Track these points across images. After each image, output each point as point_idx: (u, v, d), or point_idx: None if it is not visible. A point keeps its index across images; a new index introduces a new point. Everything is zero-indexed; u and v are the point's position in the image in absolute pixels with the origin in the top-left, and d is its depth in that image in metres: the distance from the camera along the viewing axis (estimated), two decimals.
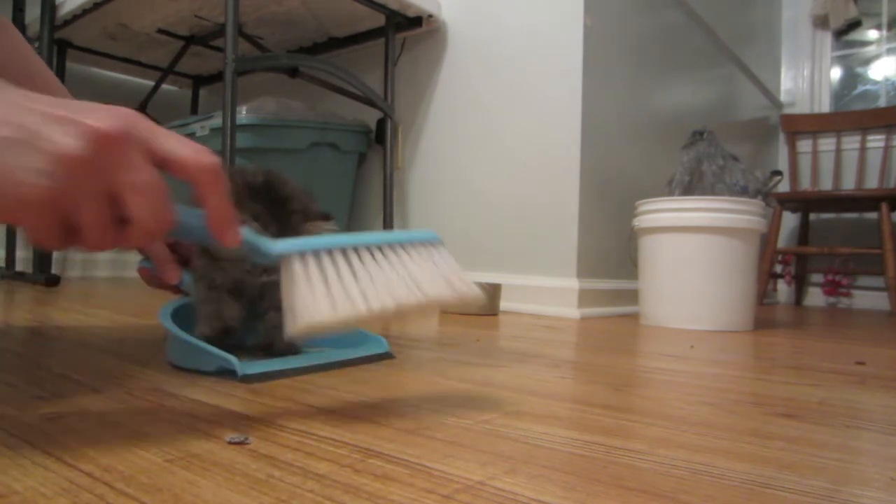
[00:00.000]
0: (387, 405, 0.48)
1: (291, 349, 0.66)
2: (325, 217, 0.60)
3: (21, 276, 1.79)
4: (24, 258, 1.97)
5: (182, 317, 0.63)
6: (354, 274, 0.43)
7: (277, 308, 0.50)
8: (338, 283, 0.42)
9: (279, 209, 0.58)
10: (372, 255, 0.45)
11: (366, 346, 0.70)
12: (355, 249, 0.44)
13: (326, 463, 0.34)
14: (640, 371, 0.71)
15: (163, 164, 0.34)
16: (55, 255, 1.86)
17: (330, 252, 0.43)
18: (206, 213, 0.37)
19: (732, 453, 0.39)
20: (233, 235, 0.38)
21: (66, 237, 0.33)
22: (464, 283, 0.46)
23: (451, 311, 1.29)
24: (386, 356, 0.70)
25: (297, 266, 0.42)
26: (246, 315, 0.62)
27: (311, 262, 0.42)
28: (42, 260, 1.75)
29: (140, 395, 0.48)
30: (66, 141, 0.31)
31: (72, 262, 2.26)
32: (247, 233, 0.41)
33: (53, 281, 1.66)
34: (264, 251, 0.42)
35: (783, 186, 2.67)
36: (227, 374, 0.55)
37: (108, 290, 1.62)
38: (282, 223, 0.57)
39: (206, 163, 0.35)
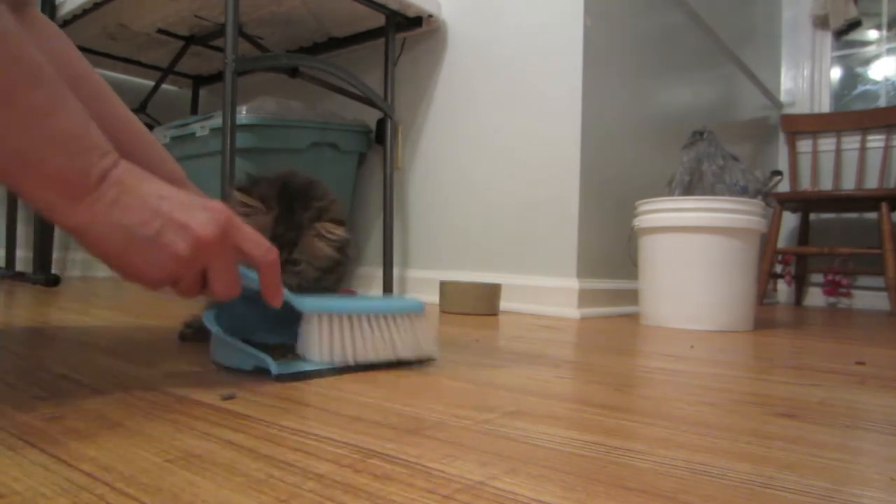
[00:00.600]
0: (387, 405, 0.48)
1: None
2: (339, 222, 0.67)
3: (21, 276, 1.79)
4: (24, 258, 1.97)
5: (224, 318, 0.64)
6: (352, 333, 0.60)
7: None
8: (339, 338, 0.59)
9: (295, 203, 0.65)
10: (368, 321, 0.62)
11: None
12: (359, 317, 0.61)
13: (326, 463, 0.34)
14: (640, 371, 0.71)
15: (242, 254, 0.49)
16: (55, 255, 1.86)
17: (339, 315, 0.60)
18: (262, 287, 0.52)
19: (732, 453, 0.39)
20: (278, 301, 0.53)
21: (166, 287, 0.47)
22: (428, 346, 0.66)
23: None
24: (426, 359, 0.68)
25: (314, 320, 0.59)
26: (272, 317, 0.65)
27: (325, 319, 0.59)
28: (42, 260, 1.75)
29: (140, 395, 0.48)
30: (178, 246, 0.44)
31: (72, 263, 2.26)
32: (287, 296, 0.56)
33: (53, 281, 1.66)
34: (296, 307, 0.58)
35: (783, 186, 2.67)
36: (261, 373, 0.57)
37: (108, 290, 1.62)
38: (290, 214, 0.65)
39: (270, 259, 0.50)
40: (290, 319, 0.61)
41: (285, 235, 0.64)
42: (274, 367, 0.55)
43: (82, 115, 0.43)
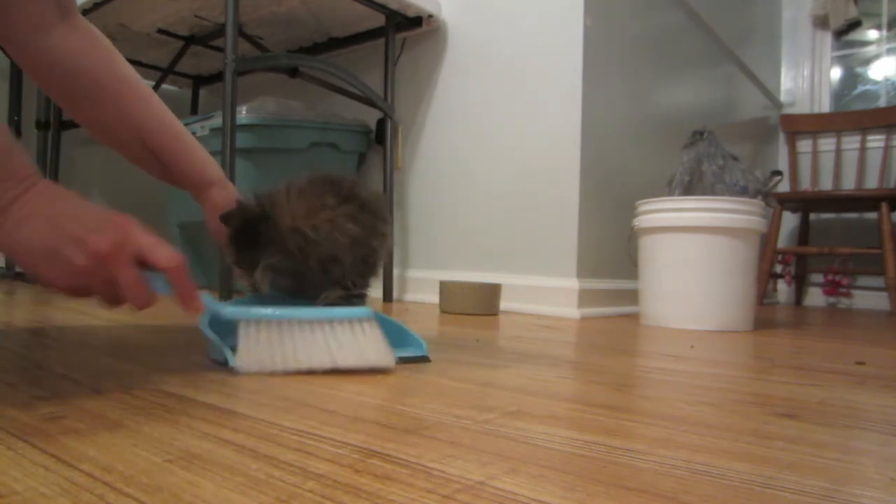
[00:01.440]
0: (387, 405, 0.48)
1: None
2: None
3: (21, 276, 1.79)
4: None
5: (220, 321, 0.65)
6: (286, 340, 0.58)
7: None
8: (270, 345, 0.58)
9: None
10: (301, 327, 0.59)
11: (402, 349, 0.71)
12: (292, 322, 0.58)
13: (326, 463, 0.34)
14: (640, 371, 0.71)
15: (145, 262, 0.51)
16: None
17: (270, 322, 0.58)
18: (177, 294, 0.54)
19: (732, 453, 0.39)
20: (194, 306, 0.55)
21: (89, 296, 0.52)
22: (379, 356, 0.60)
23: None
24: (422, 360, 0.69)
25: (244, 328, 0.58)
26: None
27: (252, 325, 0.58)
28: None
29: (140, 395, 0.48)
30: (77, 258, 0.48)
31: None
32: (207, 301, 0.57)
33: None
34: (222, 315, 0.58)
35: (783, 186, 2.67)
36: (261, 373, 0.58)
37: None
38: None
39: (172, 265, 0.52)
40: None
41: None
42: (231, 360, 0.58)
43: (7, 138, 0.48)
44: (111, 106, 0.67)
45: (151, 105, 0.69)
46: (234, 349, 0.60)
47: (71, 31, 0.64)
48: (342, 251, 0.64)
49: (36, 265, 0.48)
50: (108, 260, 0.49)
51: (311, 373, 0.58)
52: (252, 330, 0.57)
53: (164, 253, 0.52)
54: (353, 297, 0.70)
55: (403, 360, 0.68)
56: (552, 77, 1.53)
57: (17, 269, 1.88)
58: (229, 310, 0.58)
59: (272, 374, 0.56)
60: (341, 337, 0.59)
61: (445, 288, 1.41)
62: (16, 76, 2.05)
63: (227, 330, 0.64)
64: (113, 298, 0.51)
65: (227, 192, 0.72)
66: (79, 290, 0.50)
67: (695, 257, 1.27)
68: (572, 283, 1.47)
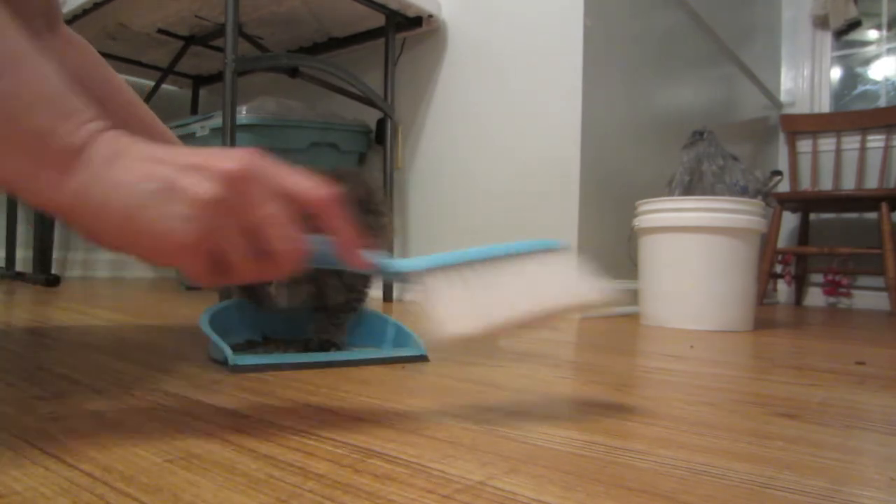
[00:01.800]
0: (387, 405, 0.48)
1: (326, 346, 0.68)
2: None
3: (21, 276, 1.79)
4: (24, 258, 1.97)
5: (221, 319, 0.66)
6: (485, 287, 0.44)
7: (323, 309, 0.62)
8: (472, 296, 0.43)
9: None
10: (498, 268, 0.45)
11: (399, 348, 0.71)
12: (482, 263, 0.45)
13: (326, 463, 0.34)
14: (640, 371, 0.71)
15: (288, 198, 0.37)
16: (55, 255, 1.86)
17: (459, 267, 0.44)
18: (335, 240, 0.39)
19: (732, 453, 0.39)
20: (359, 258, 0.40)
21: (219, 273, 0.37)
22: (589, 287, 0.47)
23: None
24: (421, 359, 0.69)
25: (431, 282, 0.43)
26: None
27: (443, 277, 0.44)
28: (42, 260, 1.75)
29: (140, 395, 0.48)
30: (202, 186, 0.34)
31: (72, 263, 2.26)
32: (375, 255, 0.43)
33: (53, 281, 1.66)
34: (394, 270, 0.44)
35: (783, 186, 2.67)
36: (261, 373, 0.58)
37: (108, 290, 1.62)
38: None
39: (327, 194, 0.37)
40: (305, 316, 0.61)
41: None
42: (231, 358, 0.58)
43: (62, 77, 0.36)
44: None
45: (140, 112, 0.69)
46: (234, 348, 0.60)
47: (56, 40, 0.64)
48: None
49: (141, 218, 0.34)
50: (244, 182, 0.35)
51: (521, 326, 0.44)
52: (440, 284, 0.43)
53: (310, 181, 0.38)
54: (355, 300, 0.70)
55: (403, 360, 0.68)
56: (552, 77, 1.53)
57: (19, 266, 1.88)
58: (411, 262, 0.44)
59: (483, 330, 0.42)
60: (548, 274, 0.47)
61: None
62: None
63: (227, 328, 0.65)
64: (250, 255, 0.36)
65: None
66: (202, 248, 0.35)
67: (695, 257, 1.27)
68: None
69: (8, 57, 0.34)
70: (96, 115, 0.37)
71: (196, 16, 1.78)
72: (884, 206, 2.17)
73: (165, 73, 2.10)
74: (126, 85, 0.70)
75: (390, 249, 1.68)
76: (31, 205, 0.36)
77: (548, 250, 0.48)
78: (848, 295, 2.71)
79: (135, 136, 0.37)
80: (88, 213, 0.34)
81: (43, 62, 0.36)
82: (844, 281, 2.71)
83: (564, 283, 0.47)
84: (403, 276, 0.44)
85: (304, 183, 0.37)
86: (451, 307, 0.43)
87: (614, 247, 1.62)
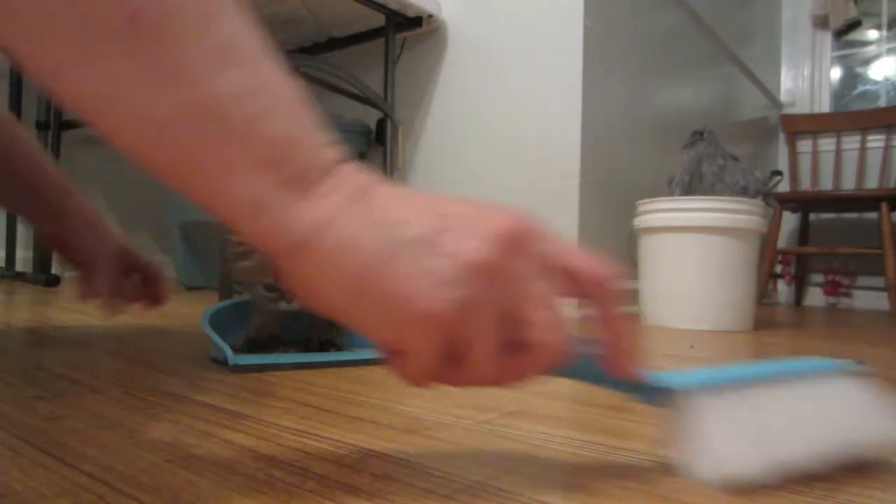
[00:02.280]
0: (387, 405, 0.48)
1: (326, 346, 0.68)
2: None
3: (21, 276, 1.79)
4: (24, 258, 1.97)
5: (221, 319, 0.66)
6: (774, 416, 0.34)
7: None
8: (757, 426, 0.33)
9: None
10: (783, 391, 0.36)
11: None
12: (765, 384, 0.35)
13: (326, 463, 0.34)
14: None
15: (564, 276, 0.28)
16: (55, 254, 1.86)
17: (739, 387, 0.34)
18: (607, 342, 0.29)
19: None
20: (630, 371, 0.31)
21: (447, 368, 0.28)
22: (889, 422, 0.36)
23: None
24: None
25: (705, 405, 0.33)
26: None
27: (720, 399, 0.33)
28: (42, 260, 1.75)
29: (140, 395, 0.48)
30: (471, 243, 0.26)
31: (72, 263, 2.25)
32: (646, 375, 0.33)
33: (53, 281, 1.66)
34: (658, 387, 0.33)
35: (783, 186, 2.67)
36: (260, 373, 0.58)
37: None
38: None
39: (611, 278, 0.29)
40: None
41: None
42: (231, 358, 0.58)
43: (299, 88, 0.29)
44: None
45: (16, 133, 0.64)
46: (234, 349, 0.60)
47: None
48: None
49: (386, 270, 0.25)
50: (517, 250, 0.26)
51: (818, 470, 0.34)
52: (722, 408, 0.33)
53: (589, 259, 0.29)
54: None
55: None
56: (552, 77, 1.53)
57: (19, 266, 1.88)
58: (674, 377, 0.33)
59: (772, 472, 0.32)
60: (842, 401, 0.37)
61: None
62: (16, 76, 2.05)
63: (227, 328, 0.64)
64: (500, 354, 0.27)
65: (90, 203, 0.67)
66: (449, 326, 0.26)
67: (695, 257, 1.27)
68: None
69: (235, 40, 0.26)
70: (339, 156, 0.28)
71: None
72: (884, 206, 2.17)
73: None
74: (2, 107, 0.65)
75: None
76: (252, 242, 0.27)
77: (840, 372, 0.40)
78: (848, 295, 2.71)
79: (374, 173, 0.28)
80: (320, 258, 0.26)
81: (267, 53, 0.28)
82: (844, 281, 2.71)
83: (864, 414, 0.37)
84: (667, 395, 0.33)
85: (586, 260, 0.29)
86: (730, 441, 0.32)
87: (614, 247, 1.62)
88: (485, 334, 0.26)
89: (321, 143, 0.28)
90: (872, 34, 2.85)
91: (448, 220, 0.26)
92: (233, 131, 0.25)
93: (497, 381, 0.28)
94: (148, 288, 0.69)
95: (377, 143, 1.85)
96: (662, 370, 0.34)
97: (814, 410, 0.35)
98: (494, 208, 0.28)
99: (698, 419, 0.32)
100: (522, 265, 0.27)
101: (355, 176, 0.27)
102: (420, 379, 0.28)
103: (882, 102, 2.77)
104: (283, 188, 0.25)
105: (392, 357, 0.28)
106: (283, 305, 0.62)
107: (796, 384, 0.37)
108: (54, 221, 0.65)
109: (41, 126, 2.04)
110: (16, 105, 1.97)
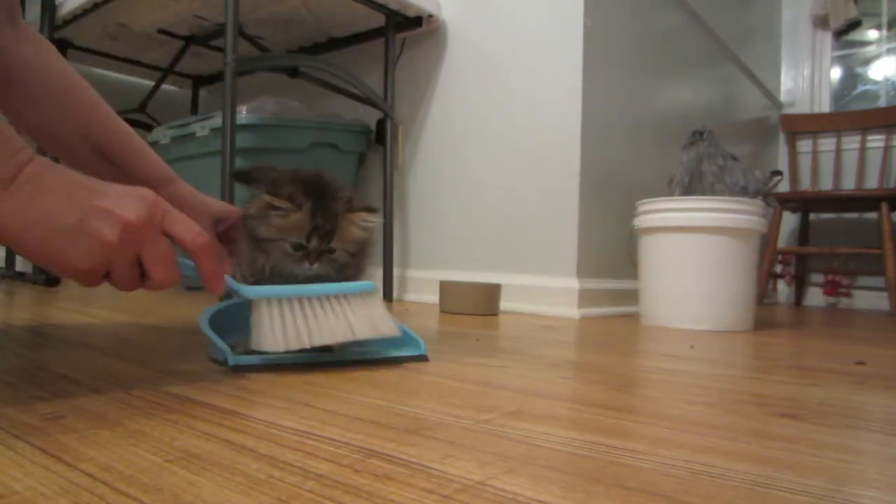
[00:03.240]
0: (387, 405, 0.48)
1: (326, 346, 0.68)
2: (372, 210, 0.67)
3: (21, 276, 1.79)
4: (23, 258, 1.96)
5: (220, 319, 0.66)
6: (305, 316, 0.59)
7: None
8: (292, 322, 0.58)
9: (324, 196, 0.66)
10: (320, 302, 0.60)
11: (398, 348, 0.71)
12: (308, 299, 0.60)
13: (326, 463, 0.34)
14: (640, 371, 0.71)
15: (171, 239, 0.48)
16: None
17: (289, 300, 0.59)
18: (201, 274, 0.51)
19: (732, 453, 0.39)
20: (219, 286, 0.53)
21: (102, 281, 0.47)
22: (385, 325, 0.63)
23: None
24: (421, 359, 0.69)
25: (263, 306, 0.58)
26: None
27: (274, 304, 0.58)
28: None
29: (140, 395, 0.48)
30: (105, 231, 0.43)
31: None
32: (232, 283, 0.57)
33: (53, 281, 1.66)
34: (242, 294, 0.58)
35: (783, 186, 2.67)
36: (261, 373, 0.59)
37: (107, 291, 1.62)
38: (322, 207, 0.65)
39: (201, 243, 0.49)
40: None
41: (324, 226, 0.65)
42: (231, 358, 0.58)
43: None
44: (57, 109, 0.68)
45: (101, 108, 0.70)
46: (233, 347, 0.61)
47: (18, 35, 0.65)
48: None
49: (51, 247, 0.43)
50: (139, 231, 0.44)
51: (325, 348, 0.61)
52: (274, 310, 0.58)
53: (194, 229, 0.49)
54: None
55: (402, 360, 0.68)
56: (552, 77, 1.53)
57: (19, 266, 1.88)
58: (250, 289, 0.58)
59: (297, 350, 0.57)
60: (356, 310, 0.61)
61: (445, 288, 1.41)
62: None
63: (227, 328, 0.65)
64: (133, 279, 0.47)
65: (186, 187, 0.74)
66: (97, 272, 0.45)
67: (695, 257, 1.27)
68: (572, 283, 1.47)
69: None
70: (22, 144, 0.43)
71: (196, 16, 1.78)
72: (884, 206, 2.17)
73: (165, 73, 2.10)
74: (85, 81, 0.70)
75: (387, 249, 1.68)
76: None
77: (368, 292, 0.63)
78: (848, 295, 2.71)
79: (55, 167, 0.44)
80: (12, 236, 0.43)
81: None
82: (844, 281, 2.71)
83: (372, 319, 0.62)
84: (245, 299, 0.58)
85: (188, 233, 0.48)
86: (270, 329, 0.57)
87: (614, 247, 1.62)
88: (120, 273, 0.46)
89: (9, 156, 0.42)
90: (872, 34, 2.85)
91: (93, 212, 0.43)
92: None
93: (135, 289, 0.48)
94: (227, 244, 0.78)
95: (377, 143, 1.85)
96: (244, 286, 0.58)
97: (334, 312, 0.60)
98: (130, 200, 0.45)
99: (260, 315, 0.57)
100: (143, 238, 0.45)
101: (34, 179, 0.43)
102: (90, 285, 0.46)
103: (882, 102, 2.77)
104: None
105: (76, 279, 0.46)
106: (303, 268, 0.64)
107: (330, 296, 0.61)
108: None
109: None
110: None
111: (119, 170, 0.72)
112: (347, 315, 0.61)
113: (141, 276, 0.47)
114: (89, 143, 0.69)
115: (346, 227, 0.66)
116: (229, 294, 0.66)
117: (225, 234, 0.76)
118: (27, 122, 0.69)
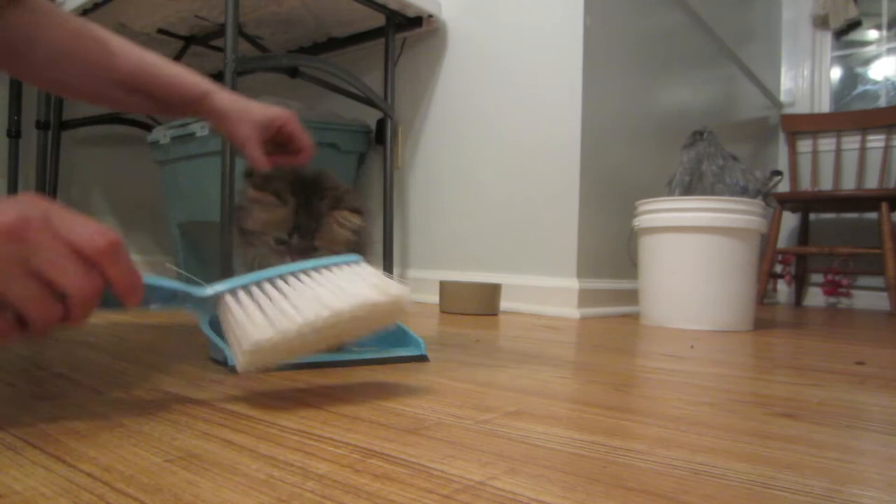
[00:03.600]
0: (387, 405, 0.48)
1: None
2: (355, 211, 0.66)
3: None
4: None
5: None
6: (284, 295, 0.47)
7: None
8: (270, 304, 0.46)
9: (312, 195, 0.65)
10: (297, 279, 0.49)
11: (398, 348, 0.71)
12: (280, 277, 0.49)
13: (326, 463, 0.34)
14: (640, 371, 0.71)
15: (70, 244, 0.36)
16: None
17: (257, 284, 0.48)
18: (112, 283, 0.39)
19: (732, 453, 0.39)
20: (133, 298, 0.40)
21: (16, 326, 0.36)
22: (388, 283, 0.50)
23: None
24: (421, 359, 0.70)
25: (230, 301, 0.46)
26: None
27: (242, 294, 0.47)
28: None
29: (140, 395, 0.48)
30: None
31: None
32: (177, 286, 0.46)
33: None
34: (195, 296, 0.47)
35: (783, 186, 2.67)
36: (260, 373, 0.57)
37: None
38: (308, 204, 0.64)
39: (99, 244, 0.37)
40: None
41: (307, 225, 0.65)
42: (231, 358, 0.57)
43: None
44: (78, 67, 0.68)
45: (125, 53, 0.70)
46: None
47: (23, 10, 0.65)
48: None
49: None
50: (16, 235, 0.35)
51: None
52: (242, 299, 0.47)
53: (90, 227, 0.37)
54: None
55: (402, 360, 0.68)
56: (552, 77, 1.53)
57: None
58: (210, 288, 0.47)
59: (283, 335, 0.45)
60: (346, 277, 0.51)
61: (445, 288, 1.41)
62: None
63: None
64: (42, 301, 0.36)
65: (228, 94, 0.74)
66: None
67: (695, 257, 1.27)
68: (572, 283, 1.47)
69: None
70: None
71: (196, 16, 1.78)
72: (884, 206, 2.17)
73: None
74: (102, 31, 0.70)
75: (383, 250, 1.68)
76: None
77: (347, 263, 0.52)
78: (848, 295, 2.71)
79: None
80: None
81: None
82: (844, 281, 2.71)
83: (362, 281, 0.50)
84: (203, 302, 0.47)
85: (83, 228, 0.37)
86: (248, 320, 0.45)
87: (614, 247, 1.62)
88: (19, 294, 0.35)
89: None
90: (872, 34, 2.85)
91: None
92: None
93: (57, 320, 0.37)
94: (291, 144, 0.80)
95: (377, 143, 1.85)
96: (198, 286, 0.47)
97: (316, 286, 0.48)
98: (6, 205, 0.36)
99: (225, 313, 0.46)
100: (28, 242, 0.35)
101: None
102: (4, 336, 0.36)
103: (882, 102, 2.77)
104: None
105: None
106: (291, 258, 0.63)
107: (307, 274, 0.50)
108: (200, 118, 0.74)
109: (41, 126, 2.04)
110: (16, 105, 1.97)
111: (158, 101, 0.72)
112: (336, 282, 0.50)
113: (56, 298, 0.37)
114: (122, 88, 0.70)
115: (331, 226, 0.66)
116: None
117: (277, 135, 0.76)
118: (54, 85, 0.70)
